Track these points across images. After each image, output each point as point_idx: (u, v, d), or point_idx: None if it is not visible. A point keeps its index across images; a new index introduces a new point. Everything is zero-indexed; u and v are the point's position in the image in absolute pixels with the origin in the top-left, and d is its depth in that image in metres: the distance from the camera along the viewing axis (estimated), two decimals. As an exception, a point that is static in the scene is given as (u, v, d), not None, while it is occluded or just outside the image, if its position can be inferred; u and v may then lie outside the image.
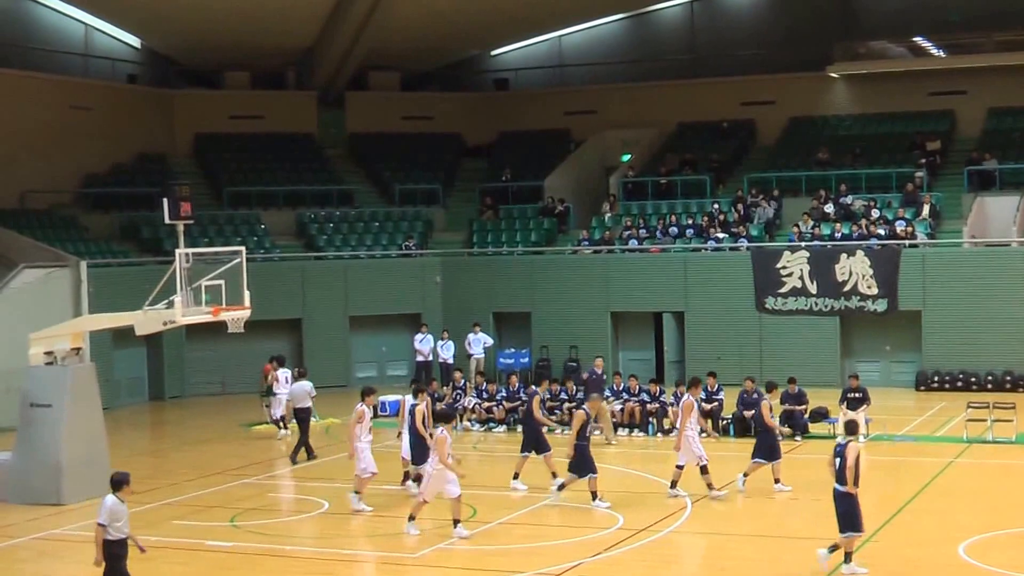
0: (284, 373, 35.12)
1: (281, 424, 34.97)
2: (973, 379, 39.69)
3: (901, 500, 24.82)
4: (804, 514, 24.37)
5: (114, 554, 17.06)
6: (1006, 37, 48.11)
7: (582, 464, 24.78)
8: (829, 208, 44.25)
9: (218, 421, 38.34)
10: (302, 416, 31.99)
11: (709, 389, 33.37)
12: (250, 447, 33.76)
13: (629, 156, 51.58)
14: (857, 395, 31.85)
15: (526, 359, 44.31)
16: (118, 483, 17.27)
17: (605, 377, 33.99)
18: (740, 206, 45.56)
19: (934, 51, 50.42)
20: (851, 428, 20.56)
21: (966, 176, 44.87)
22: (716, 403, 33.08)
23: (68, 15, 49.18)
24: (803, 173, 47.35)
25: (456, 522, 22.32)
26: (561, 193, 49.48)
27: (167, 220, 27.92)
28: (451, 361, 41.81)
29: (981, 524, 22.72)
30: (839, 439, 20.08)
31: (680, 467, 25.68)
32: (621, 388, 34.51)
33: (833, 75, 50.48)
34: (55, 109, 46.45)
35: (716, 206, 45.87)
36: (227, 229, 46.89)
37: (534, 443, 27.16)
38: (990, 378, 39.60)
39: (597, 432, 31.11)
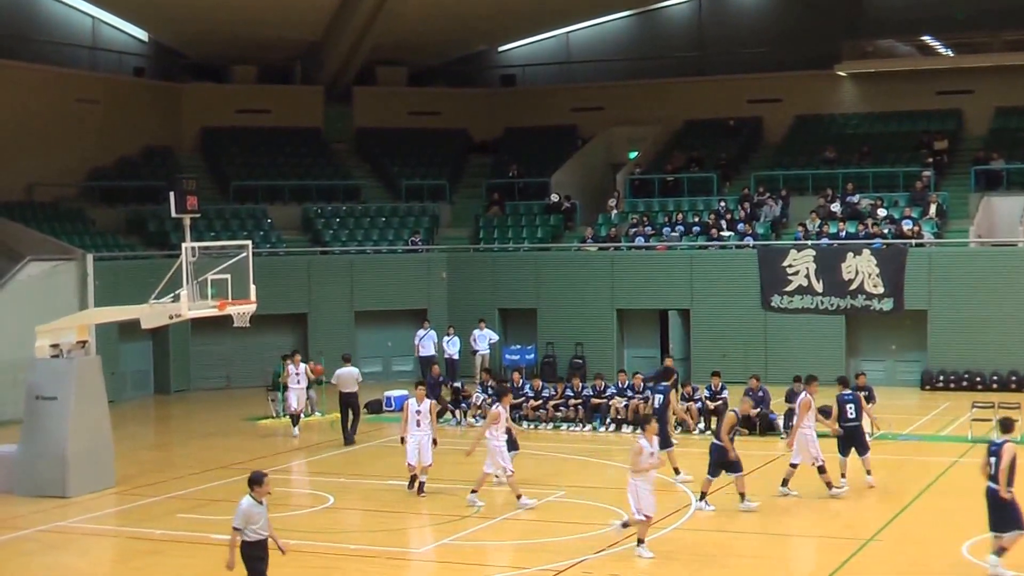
0: (295, 368, 35.04)
1: (295, 420, 34.68)
2: (978, 379, 39.68)
3: (905, 499, 24.83)
4: (809, 512, 24.37)
5: (253, 556, 16.54)
6: (1014, 36, 48.06)
7: (733, 464, 24.57)
8: (836, 207, 44.23)
9: (223, 415, 38.37)
10: (352, 401, 32.93)
11: (713, 388, 33.45)
12: (255, 441, 33.74)
13: (636, 153, 51.57)
14: (863, 394, 31.76)
15: (531, 355, 44.33)
16: (254, 482, 16.54)
17: (677, 377, 33.73)
18: (747, 204, 45.55)
19: (942, 50, 50.39)
20: (1007, 426, 19.49)
21: (973, 175, 44.85)
22: (720, 401, 33.09)
23: (75, 7, 49.22)
24: (810, 171, 47.36)
25: (640, 541, 20.90)
26: (567, 190, 49.48)
27: (173, 214, 27.86)
28: (456, 357, 41.89)
29: (984, 524, 22.70)
30: (994, 437, 19.61)
31: (794, 466, 25.42)
32: (625, 385, 34.50)
33: (840, 73, 50.46)
34: (61, 102, 46.48)
35: (723, 204, 45.83)
36: (233, 223, 46.95)
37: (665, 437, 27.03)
38: (995, 378, 39.60)
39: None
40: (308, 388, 36.53)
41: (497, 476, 25.36)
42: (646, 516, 20.80)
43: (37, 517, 24.82)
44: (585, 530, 22.65)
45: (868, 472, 26.23)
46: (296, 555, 21.69)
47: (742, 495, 24.36)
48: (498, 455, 24.83)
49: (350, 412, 32.97)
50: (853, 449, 26.21)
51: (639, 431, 21.17)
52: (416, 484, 25.98)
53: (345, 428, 32.82)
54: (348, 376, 33.14)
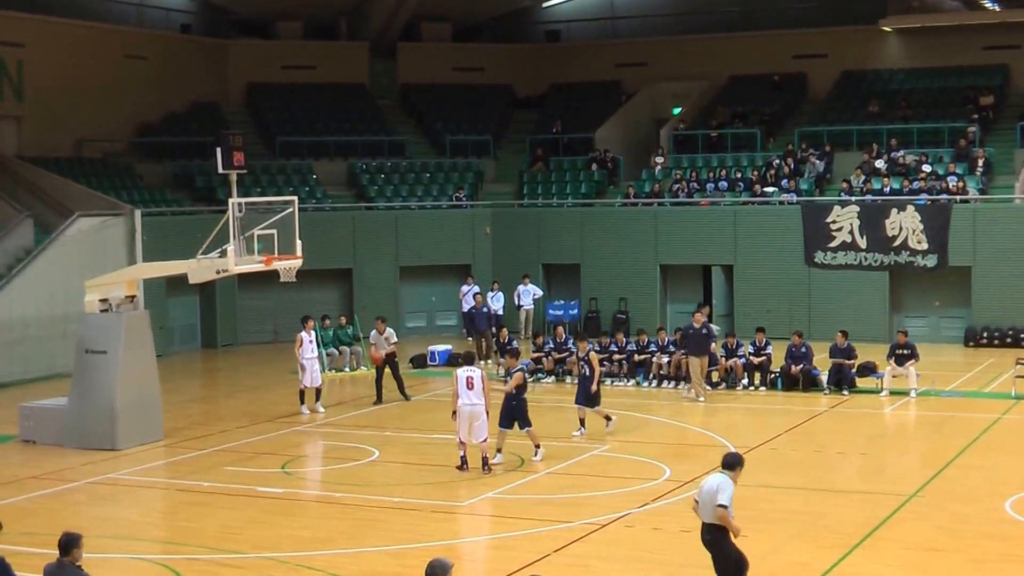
0: (308, 336, 31.40)
1: (316, 396, 31.34)
2: (1023, 335, 39.58)
3: (948, 455, 24.85)
4: (850, 468, 24.48)
5: (723, 536, 15.86)
6: (1062, -10, 47.67)
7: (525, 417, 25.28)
8: (880, 163, 44.10)
9: (269, 369, 38.67)
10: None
11: (757, 344, 33.48)
12: (300, 392, 33.92)
13: (680, 109, 51.51)
14: (905, 351, 31.81)
15: (575, 311, 44.46)
16: (738, 464, 15.93)
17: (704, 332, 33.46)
18: (790, 160, 45.46)
19: (988, 4, 49.98)
20: None
21: (1019, 131, 44.59)
22: (764, 357, 33.18)
23: (122, -36, 49.48)
24: (854, 127, 47.19)
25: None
26: (611, 145, 49.50)
27: (220, 169, 28.02)
28: (500, 312, 42.04)
29: (1027, 480, 22.80)
30: None
31: None
32: (667, 342, 34.59)
33: (886, 28, 50.13)
34: (109, 58, 46.70)
35: (776, 162, 45.57)
36: (279, 179, 47.19)
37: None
38: (1040, 334, 39.53)
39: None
40: (350, 345, 36.91)
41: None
42: None
43: (87, 469, 25.17)
44: (628, 484, 22.85)
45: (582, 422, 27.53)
46: (341, 508, 22.01)
47: (537, 447, 24.95)
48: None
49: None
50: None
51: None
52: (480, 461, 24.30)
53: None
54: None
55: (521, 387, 25.11)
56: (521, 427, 24.95)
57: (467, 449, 24.14)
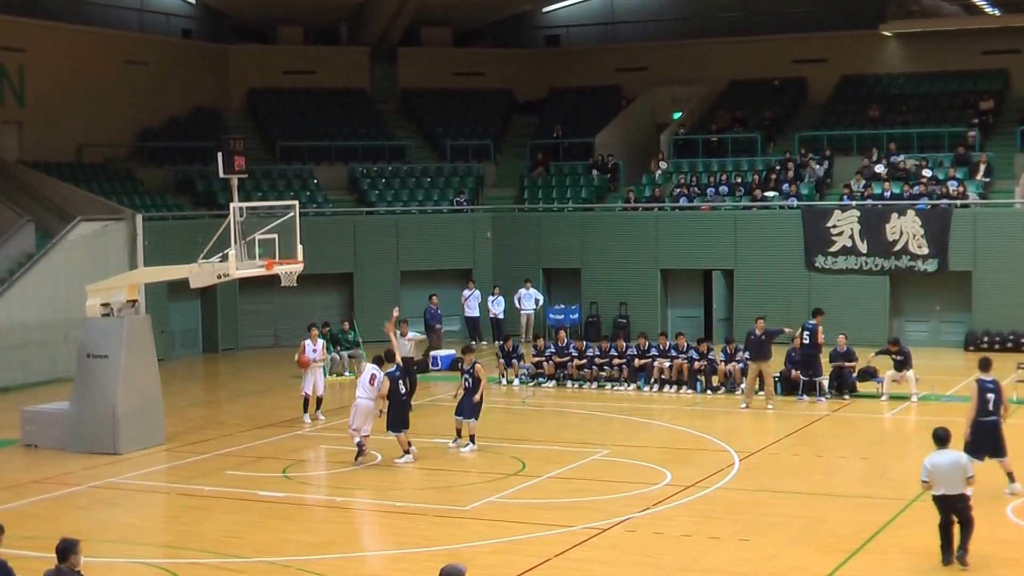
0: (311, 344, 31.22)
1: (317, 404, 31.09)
2: (1023, 339, 39.60)
3: (948, 459, 24.83)
4: (851, 473, 24.50)
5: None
6: (1062, -5, 47.71)
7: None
8: (880, 167, 44.13)
9: (270, 373, 38.69)
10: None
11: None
12: (302, 399, 33.95)
13: (680, 113, 51.53)
14: (899, 359, 31.74)
15: (575, 315, 44.49)
16: (948, 437, 18.69)
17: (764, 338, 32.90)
18: (791, 164, 45.47)
19: (988, 9, 49.97)
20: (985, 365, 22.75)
21: (1019, 136, 44.63)
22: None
23: (123, -31, 49.50)
24: (854, 131, 47.22)
25: None
26: (611, 150, 49.50)
27: (221, 174, 28.04)
28: (501, 316, 42.10)
29: (1027, 484, 22.78)
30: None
31: None
32: (668, 346, 34.61)
33: (886, 33, 50.13)
34: (110, 64, 46.75)
35: (776, 166, 45.59)
36: (280, 183, 47.24)
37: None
38: (1040, 339, 39.56)
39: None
40: (348, 350, 37.03)
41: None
42: None
43: (89, 473, 25.19)
44: (629, 489, 22.87)
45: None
46: (342, 512, 22.04)
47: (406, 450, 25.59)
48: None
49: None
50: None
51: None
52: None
53: None
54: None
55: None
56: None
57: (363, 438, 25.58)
